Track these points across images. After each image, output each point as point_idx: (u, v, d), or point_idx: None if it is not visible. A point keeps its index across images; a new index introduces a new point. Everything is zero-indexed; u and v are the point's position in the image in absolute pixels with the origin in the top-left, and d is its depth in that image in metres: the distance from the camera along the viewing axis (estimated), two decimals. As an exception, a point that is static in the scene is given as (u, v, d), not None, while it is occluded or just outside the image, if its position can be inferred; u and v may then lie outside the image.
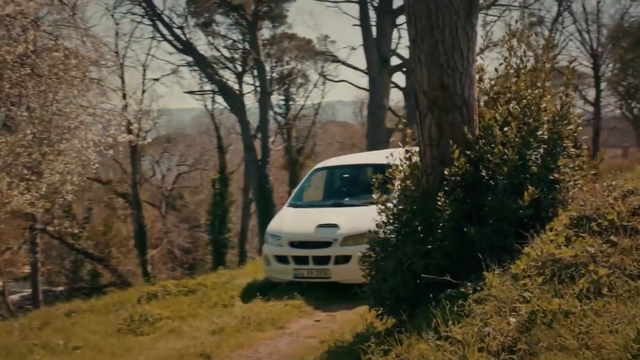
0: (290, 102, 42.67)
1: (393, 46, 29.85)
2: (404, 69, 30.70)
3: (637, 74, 37.21)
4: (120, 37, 32.71)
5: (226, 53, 37.80)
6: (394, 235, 7.19)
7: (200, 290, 11.67)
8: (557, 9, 33.53)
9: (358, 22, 27.98)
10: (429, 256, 6.68)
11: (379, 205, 7.51)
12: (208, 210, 42.40)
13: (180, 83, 54.74)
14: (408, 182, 7.39)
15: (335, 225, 11.15)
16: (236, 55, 38.91)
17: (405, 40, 30.98)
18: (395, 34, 29.55)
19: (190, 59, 33.93)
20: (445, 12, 6.89)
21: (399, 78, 29.53)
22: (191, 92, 37.85)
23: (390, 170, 7.55)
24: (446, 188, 6.79)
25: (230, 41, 37.49)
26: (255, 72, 36.71)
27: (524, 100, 7.10)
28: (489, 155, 6.79)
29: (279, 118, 41.35)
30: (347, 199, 12.11)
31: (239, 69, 38.65)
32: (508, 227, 6.52)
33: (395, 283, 6.82)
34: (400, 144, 7.90)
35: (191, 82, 67.01)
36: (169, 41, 32.34)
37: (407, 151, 7.45)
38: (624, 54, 36.82)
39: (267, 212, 30.73)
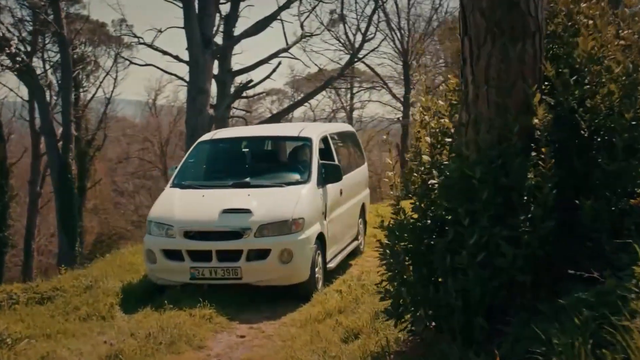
0: (81, 90, 39.18)
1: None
2: (219, 55, 28.28)
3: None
4: None
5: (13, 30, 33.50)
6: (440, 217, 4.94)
7: (59, 297, 8.49)
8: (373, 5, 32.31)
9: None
10: (518, 244, 4.52)
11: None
12: (-17, 206, 37.12)
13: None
14: (447, 139, 5.21)
15: (246, 211, 8.56)
16: (24, 34, 34.92)
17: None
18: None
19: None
20: None
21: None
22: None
23: (418, 127, 5.37)
24: (532, 145, 4.69)
25: (18, 17, 33.47)
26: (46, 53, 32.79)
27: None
28: (588, 101, 4.78)
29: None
30: (248, 178, 9.52)
31: (28, 48, 34.51)
32: (626, 201, 4.56)
33: (467, 283, 4.57)
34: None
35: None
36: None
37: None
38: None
39: (68, 205, 27.55)
